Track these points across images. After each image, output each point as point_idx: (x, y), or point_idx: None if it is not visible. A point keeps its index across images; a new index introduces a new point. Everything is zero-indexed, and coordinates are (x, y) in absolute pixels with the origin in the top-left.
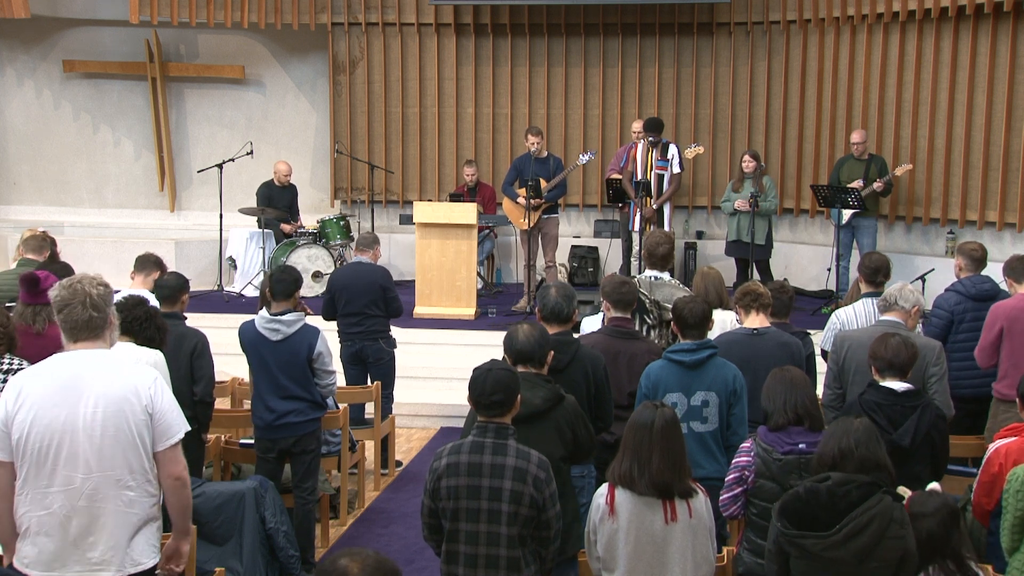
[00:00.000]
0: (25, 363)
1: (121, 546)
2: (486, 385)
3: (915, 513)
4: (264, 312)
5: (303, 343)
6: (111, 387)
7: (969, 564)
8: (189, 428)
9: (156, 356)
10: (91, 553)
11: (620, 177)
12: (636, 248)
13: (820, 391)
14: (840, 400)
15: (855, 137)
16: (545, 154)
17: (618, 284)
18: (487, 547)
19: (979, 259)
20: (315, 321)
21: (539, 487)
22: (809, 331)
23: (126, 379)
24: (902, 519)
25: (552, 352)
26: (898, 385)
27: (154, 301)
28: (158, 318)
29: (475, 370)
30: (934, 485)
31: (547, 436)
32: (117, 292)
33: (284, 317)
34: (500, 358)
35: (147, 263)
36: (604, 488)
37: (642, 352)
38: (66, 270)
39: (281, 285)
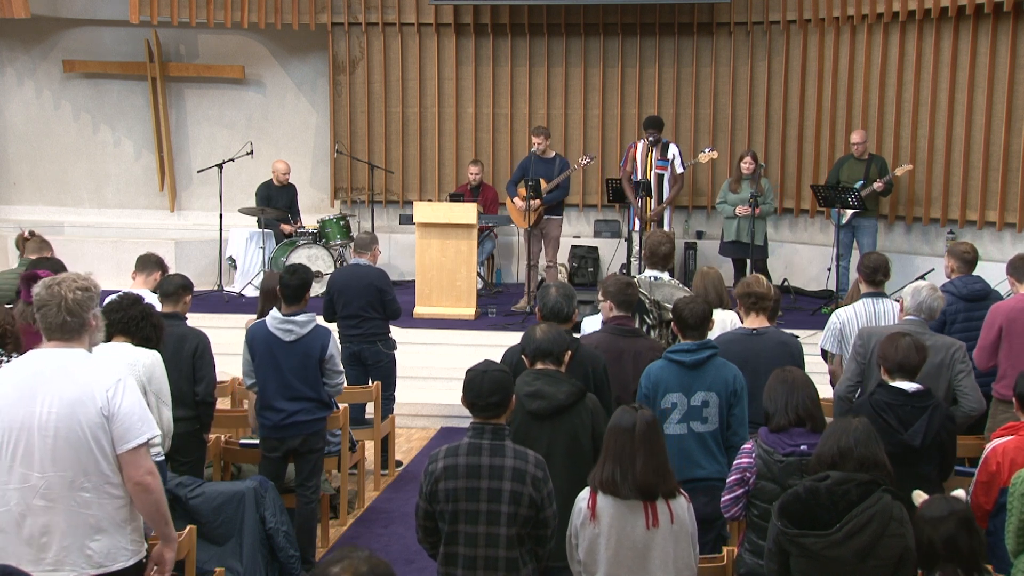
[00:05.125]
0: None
1: (76, 548)
2: (483, 387)
3: (933, 517)
4: (276, 312)
5: (316, 344)
6: (67, 388)
7: (987, 570)
8: (156, 433)
9: (153, 356)
10: (44, 554)
11: (620, 177)
12: (636, 248)
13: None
14: (855, 390)
15: (855, 137)
16: (552, 154)
17: (624, 286)
18: (486, 548)
19: (970, 261)
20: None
21: (538, 487)
22: (809, 331)
23: (84, 380)
24: (901, 517)
25: (570, 351)
26: (908, 385)
27: (153, 300)
28: (154, 316)
29: (469, 371)
30: (959, 492)
31: (571, 431)
32: (117, 292)
33: (297, 318)
34: (500, 358)
35: (148, 263)
36: (586, 492)
37: (645, 349)
38: (58, 266)
39: (288, 290)
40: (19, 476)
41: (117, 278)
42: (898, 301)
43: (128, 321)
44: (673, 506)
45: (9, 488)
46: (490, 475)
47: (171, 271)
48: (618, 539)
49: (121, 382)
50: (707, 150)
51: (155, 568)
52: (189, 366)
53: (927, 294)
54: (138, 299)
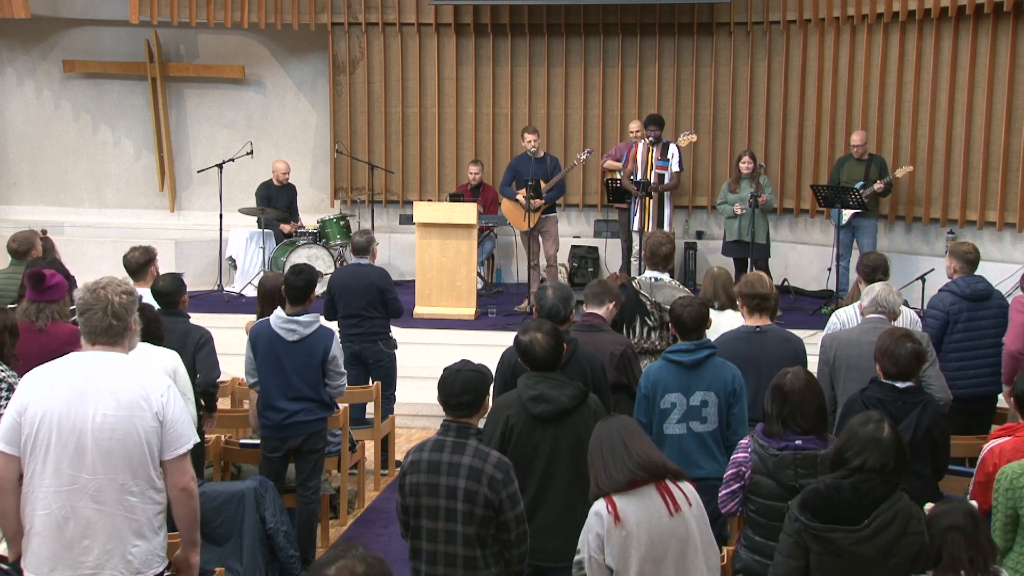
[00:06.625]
0: (13, 373)
1: (118, 552)
2: (455, 386)
3: (942, 518)
4: (280, 312)
5: (319, 345)
6: (122, 391)
7: (1000, 572)
8: (199, 439)
9: (175, 356)
10: (85, 557)
11: (616, 167)
12: (636, 248)
13: None
14: (831, 404)
15: (855, 139)
16: (542, 154)
17: (594, 284)
18: (445, 544)
19: (972, 261)
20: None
21: (495, 488)
22: (809, 331)
23: (139, 384)
24: (920, 516)
25: (566, 345)
26: (899, 382)
27: (152, 300)
28: (160, 320)
29: (445, 370)
30: (973, 503)
31: (575, 433)
32: None
33: (301, 318)
34: (499, 359)
35: (139, 265)
36: (600, 502)
37: (606, 343)
38: (58, 266)
39: (293, 291)
40: (67, 478)
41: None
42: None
43: (149, 320)
44: (685, 489)
45: (52, 491)
46: (448, 472)
47: (170, 270)
48: (648, 534)
49: (171, 388)
50: (686, 134)
51: (180, 573)
52: (192, 361)
53: (882, 290)
54: (144, 305)
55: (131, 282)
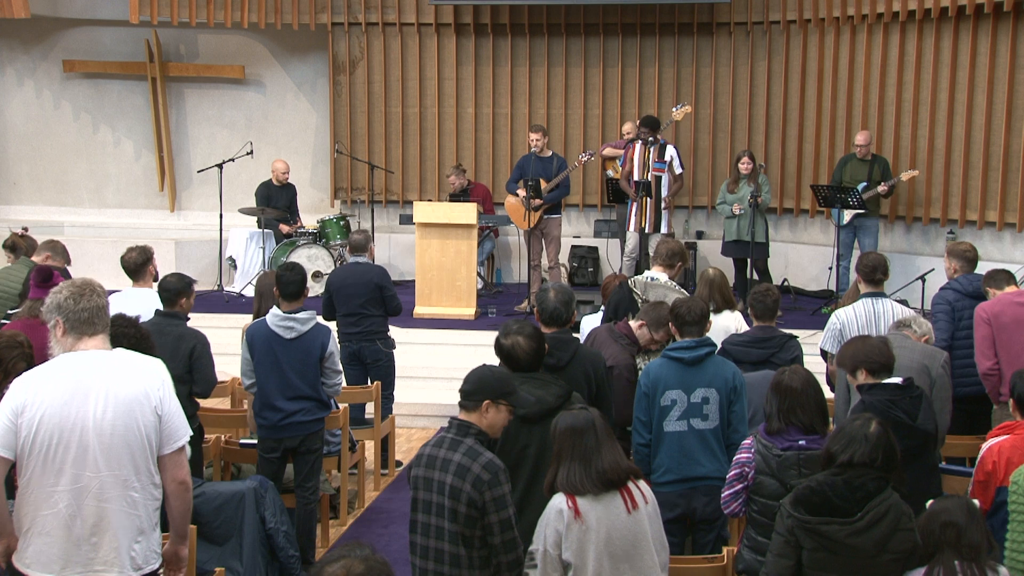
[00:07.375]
0: None
1: (124, 548)
2: (468, 375)
3: (941, 509)
4: (276, 310)
5: (316, 342)
6: (121, 388)
7: (998, 567)
8: (192, 433)
9: (159, 361)
10: (94, 554)
11: (615, 155)
12: (630, 248)
13: None
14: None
15: (859, 139)
16: (548, 153)
17: (651, 303)
18: (435, 540)
19: (972, 259)
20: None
21: (479, 488)
22: (809, 331)
23: (137, 380)
24: (910, 513)
25: (547, 346)
26: (895, 379)
27: (156, 299)
28: (150, 336)
29: None
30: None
31: None
32: (118, 291)
33: (298, 315)
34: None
35: (138, 267)
36: (560, 497)
37: (611, 354)
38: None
39: (290, 287)
40: (70, 477)
41: (117, 279)
42: (900, 302)
43: (121, 337)
44: (642, 487)
45: (58, 490)
46: (441, 467)
47: (170, 270)
48: (608, 531)
49: (165, 383)
50: (679, 106)
51: (170, 566)
52: (184, 367)
53: (917, 317)
54: (131, 320)
55: None
